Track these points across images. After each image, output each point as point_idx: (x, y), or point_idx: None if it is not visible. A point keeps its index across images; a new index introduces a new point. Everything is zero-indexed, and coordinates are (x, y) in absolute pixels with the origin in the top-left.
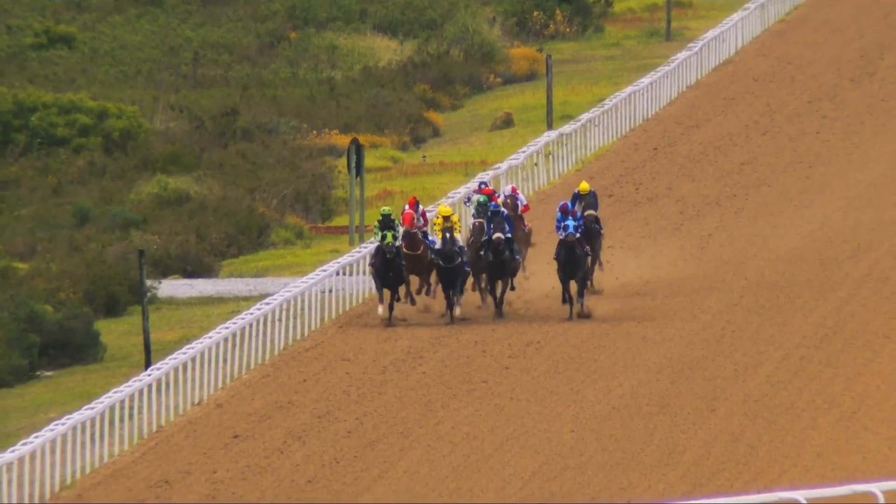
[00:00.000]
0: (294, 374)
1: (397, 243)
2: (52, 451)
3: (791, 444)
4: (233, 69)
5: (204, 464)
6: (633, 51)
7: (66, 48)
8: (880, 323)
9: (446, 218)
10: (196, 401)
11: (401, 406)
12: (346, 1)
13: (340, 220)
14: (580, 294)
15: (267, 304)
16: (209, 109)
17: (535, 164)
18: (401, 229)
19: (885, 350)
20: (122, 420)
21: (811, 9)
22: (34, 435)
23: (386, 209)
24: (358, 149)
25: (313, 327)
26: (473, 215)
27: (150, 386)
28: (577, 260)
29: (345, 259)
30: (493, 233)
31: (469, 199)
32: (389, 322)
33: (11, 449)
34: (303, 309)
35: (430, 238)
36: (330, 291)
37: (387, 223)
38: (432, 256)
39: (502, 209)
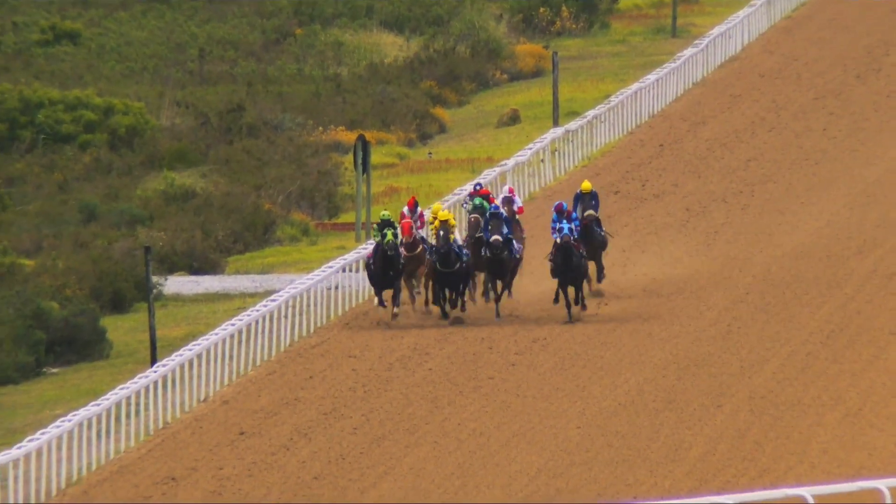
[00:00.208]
0: (300, 371)
1: (399, 245)
2: (59, 448)
3: (797, 440)
4: (239, 65)
5: (210, 460)
6: (639, 47)
7: (71, 45)
8: (886, 319)
9: (443, 222)
10: (202, 397)
11: (407, 403)
12: None
13: (346, 217)
14: (577, 297)
15: (273, 300)
16: (215, 106)
17: (542, 161)
18: (399, 232)
19: (890, 346)
20: (128, 417)
21: (817, 6)
22: (40, 431)
23: (385, 213)
24: (364, 145)
25: (319, 324)
26: (469, 212)
27: (156, 382)
28: (574, 263)
29: (351, 256)
30: (492, 235)
31: (466, 202)
32: (393, 319)
33: (18, 445)
34: (309, 306)
35: (430, 242)
36: (336, 288)
37: (386, 225)
38: (430, 258)
39: (502, 211)
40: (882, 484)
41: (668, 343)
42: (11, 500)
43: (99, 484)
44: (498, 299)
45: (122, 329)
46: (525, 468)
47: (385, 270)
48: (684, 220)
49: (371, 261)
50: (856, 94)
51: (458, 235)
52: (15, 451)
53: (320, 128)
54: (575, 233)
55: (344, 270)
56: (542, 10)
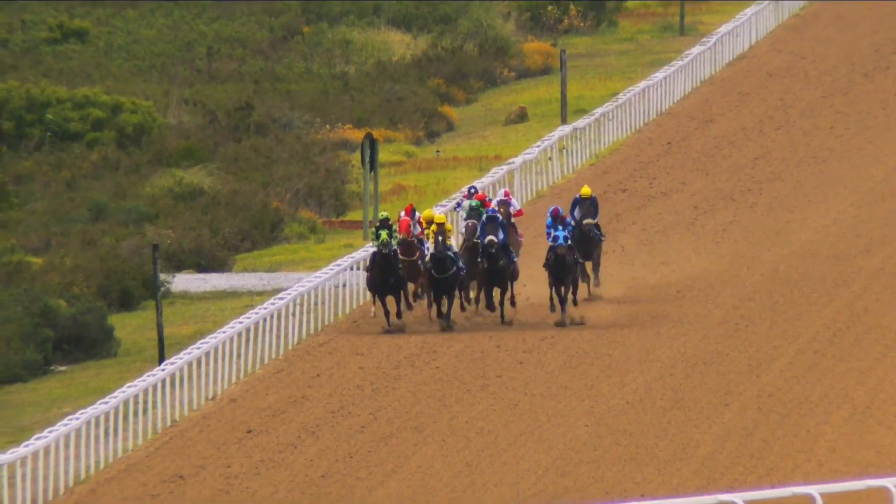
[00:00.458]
0: (308, 369)
1: (394, 244)
2: (66, 446)
3: (805, 438)
4: (246, 63)
5: (218, 458)
6: (646, 45)
7: (79, 43)
8: (893, 317)
9: (440, 225)
10: (210, 395)
11: (415, 401)
12: None
13: (354, 215)
14: (573, 301)
15: (280, 298)
16: (223, 104)
17: (549, 159)
18: (397, 235)
19: None
20: (136, 415)
21: (825, 4)
22: (48, 429)
23: (384, 213)
24: (372, 143)
25: (327, 322)
26: (465, 218)
27: (163, 381)
28: (568, 267)
29: (358, 254)
30: (486, 236)
31: (460, 205)
32: (393, 329)
33: (25, 443)
34: (316, 304)
35: (425, 245)
36: (344, 286)
37: (384, 227)
38: (428, 264)
39: (498, 214)
40: (890, 482)
41: (676, 341)
42: (19, 499)
43: (107, 482)
44: (501, 303)
45: (129, 327)
46: (533, 466)
47: (385, 277)
48: (692, 218)
49: (368, 269)
50: (863, 92)
51: (454, 241)
52: (22, 450)
53: (328, 126)
54: (569, 240)
55: (352, 268)
56: (549, 8)
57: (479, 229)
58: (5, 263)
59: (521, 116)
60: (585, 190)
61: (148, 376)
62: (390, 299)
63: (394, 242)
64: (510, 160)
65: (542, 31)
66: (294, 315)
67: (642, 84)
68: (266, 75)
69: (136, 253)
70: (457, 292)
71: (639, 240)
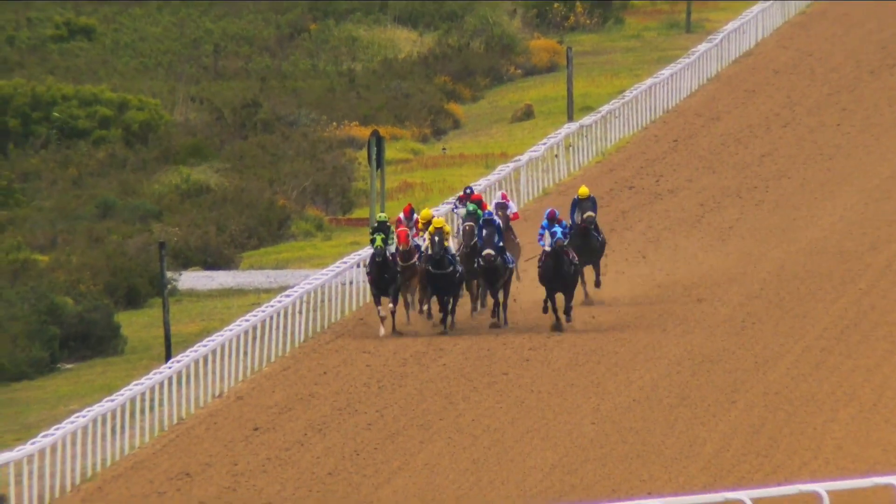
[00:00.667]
0: (314, 367)
1: (391, 249)
2: (73, 444)
3: (811, 436)
4: (253, 61)
5: (224, 456)
6: (653, 43)
7: (86, 40)
8: None
9: (438, 228)
10: (217, 393)
11: (421, 398)
12: None
13: (361, 213)
14: (566, 307)
15: (287, 296)
16: (230, 101)
17: (556, 156)
18: (395, 239)
19: None
20: (142, 412)
21: (831, 2)
22: (55, 427)
23: (382, 215)
24: (378, 141)
25: (334, 320)
26: (464, 220)
27: (170, 378)
28: (564, 270)
29: (365, 251)
30: (484, 246)
31: (456, 207)
32: (394, 331)
33: (32, 441)
34: (323, 301)
35: (422, 246)
36: (350, 283)
37: (381, 230)
38: (423, 265)
39: (495, 218)
40: None
41: (683, 339)
42: (26, 496)
43: (113, 480)
44: (505, 307)
45: (136, 325)
46: (539, 464)
47: (381, 275)
48: (699, 215)
49: (368, 270)
50: (870, 89)
51: (452, 244)
52: (29, 447)
53: (334, 123)
54: (567, 237)
55: (358, 266)
56: (556, 5)
57: (472, 235)
58: (12, 261)
59: (528, 114)
60: (583, 190)
61: (155, 374)
62: (385, 301)
63: (391, 247)
64: (516, 157)
65: (548, 28)
66: (301, 313)
67: (649, 81)
68: (272, 73)
69: (143, 250)
70: (455, 296)
71: (645, 237)
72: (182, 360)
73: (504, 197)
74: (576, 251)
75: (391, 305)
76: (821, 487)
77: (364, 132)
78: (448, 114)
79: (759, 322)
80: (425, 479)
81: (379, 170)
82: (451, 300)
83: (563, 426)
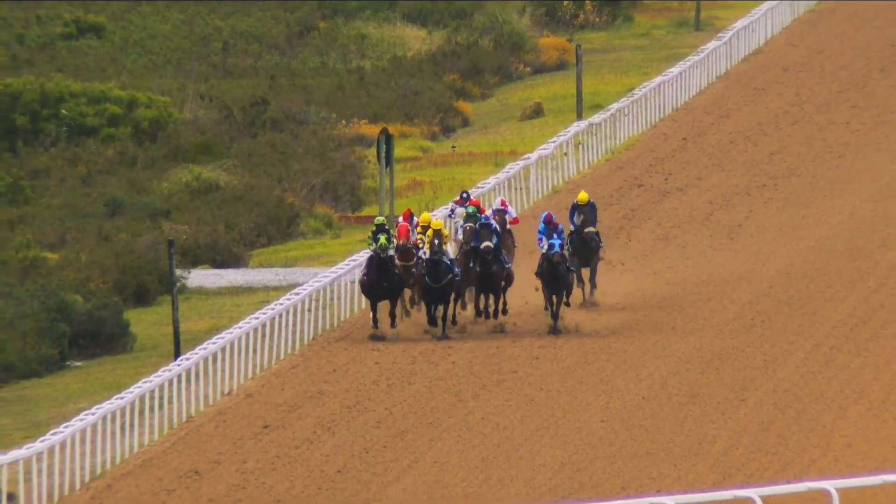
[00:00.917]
0: (324, 365)
1: (391, 251)
2: (83, 441)
3: (820, 433)
4: (262, 59)
5: (234, 454)
6: (662, 40)
7: (95, 38)
8: None
9: (436, 231)
10: (226, 391)
11: (430, 396)
12: None
13: (370, 210)
14: (558, 309)
15: (296, 294)
16: (239, 99)
17: (565, 154)
18: (395, 240)
19: None
20: (151, 410)
21: None
22: (64, 425)
23: (380, 219)
24: (388, 138)
25: (343, 317)
26: (464, 222)
27: (179, 376)
28: (560, 276)
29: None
30: (481, 242)
31: (453, 212)
32: (377, 334)
33: (41, 439)
34: (332, 299)
35: (421, 251)
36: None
37: (381, 231)
38: (423, 269)
39: (492, 222)
40: None
41: (692, 336)
42: (35, 494)
43: (123, 477)
44: (496, 314)
45: (145, 322)
46: (549, 462)
47: (379, 280)
48: (708, 213)
49: (364, 273)
50: (879, 87)
51: (450, 248)
52: (39, 445)
53: (343, 121)
54: (564, 248)
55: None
56: (565, 3)
57: (473, 235)
58: (21, 259)
59: (537, 112)
60: (582, 196)
61: (164, 371)
62: (383, 305)
63: (391, 248)
64: (526, 155)
65: (557, 26)
66: (310, 310)
67: (658, 79)
68: (282, 70)
69: (152, 248)
70: (452, 301)
71: (654, 235)
72: (191, 357)
73: (503, 203)
74: (573, 255)
75: (391, 327)
76: (830, 485)
77: (373, 130)
78: (457, 112)
79: (768, 320)
80: (434, 477)
81: (388, 168)
82: (445, 308)
83: (572, 424)
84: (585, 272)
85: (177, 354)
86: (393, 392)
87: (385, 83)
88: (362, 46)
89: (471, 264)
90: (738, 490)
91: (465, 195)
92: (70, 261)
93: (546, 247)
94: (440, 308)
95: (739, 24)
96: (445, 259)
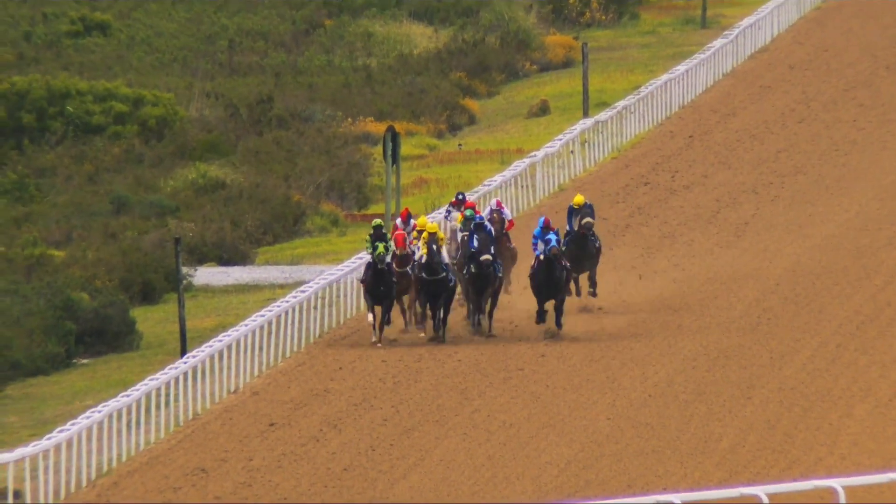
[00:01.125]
0: (330, 362)
1: (388, 258)
2: (89, 439)
3: (827, 431)
4: (268, 56)
5: (240, 451)
6: (668, 38)
7: (101, 36)
8: None
9: (432, 234)
10: (232, 388)
11: (437, 394)
12: None
13: (376, 208)
14: (557, 314)
15: (303, 291)
16: (245, 97)
17: (571, 152)
18: (392, 246)
19: None
20: (158, 408)
21: None
22: (71, 422)
23: (377, 221)
24: (394, 136)
25: (349, 315)
26: (460, 229)
27: (186, 374)
28: (556, 278)
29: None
30: (481, 252)
31: (449, 214)
32: (380, 341)
33: (48, 436)
34: (338, 296)
35: (417, 253)
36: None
37: (378, 236)
38: (420, 273)
39: (486, 223)
40: None
41: (698, 334)
42: (42, 491)
43: (129, 475)
44: (491, 315)
45: (151, 320)
46: (555, 459)
47: (376, 285)
48: (714, 211)
49: (364, 276)
50: (885, 84)
51: (444, 251)
52: (45, 442)
53: (349, 119)
54: (561, 244)
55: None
56: (571, 0)
57: (469, 238)
58: (27, 256)
59: (543, 109)
60: (578, 198)
61: (170, 369)
62: (378, 310)
63: (388, 257)
64: (532, 153)
65: (563, 23)
66: (316, 308)
67: (664, 77)
68: (288, 68)
69: (159, 246)
70: (445, 303)
71: (661, 233)
72: (197, 355)
73: (499, 204)
74: (572, 257)
75: (384, 325)
76: (837, 483)
77: (379, 128)
78: (463, 109)
79: (774, 318)
80: (441, 475)
81: (394, 166)
82: (443, 310)
83: (578, 422)
84: (581, 277)
85: (183, 352)
86: (399, 390)
87: (391, 81)
88: (368, 44)
89: (464, 271)
90: (745, 488)
91: (460, 197)
92: (76, 258)
93: (540, 250)
94: (438, 308)
95: (746, 21)
96: (441, 261)
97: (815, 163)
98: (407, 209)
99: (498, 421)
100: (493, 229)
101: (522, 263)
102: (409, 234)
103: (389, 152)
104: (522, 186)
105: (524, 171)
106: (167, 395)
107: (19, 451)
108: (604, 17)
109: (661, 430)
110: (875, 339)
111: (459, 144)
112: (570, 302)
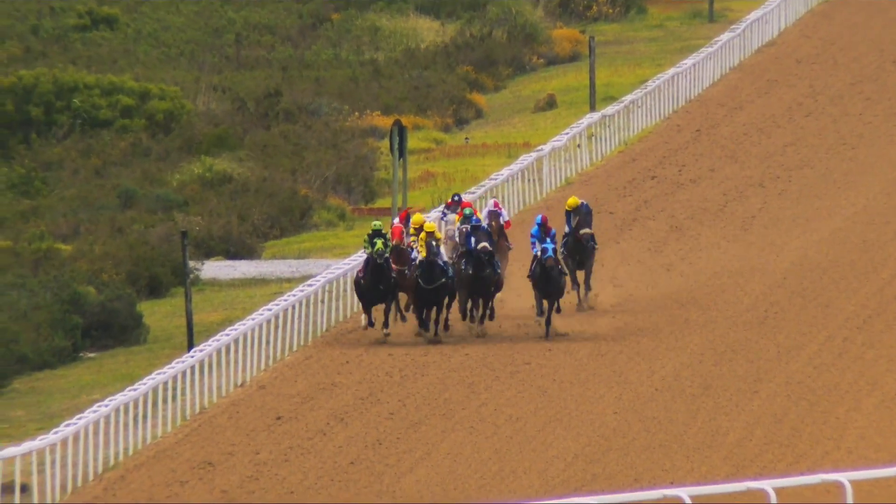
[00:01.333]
0: (336, 356)
1: (387, 253)
2: (96, 433)
3: (834, 425)
4: (275, 50)
5: (247, 445)
6: (675, 32)
7: (108, 29)
8: None
9: (430, 233)
10: (239, 382)
11: (443, 388)
12: None
13: (383, 202)
14: (550, 315)
15: (309, 285)
16: (252, 91)
17: (578, 146)
18: (391, 244)
19: None
20: (164, 401)
21: None
22: (77, 416)
23: (377, 223)
24: (401, 130)
25: (356, 309)
26: (459, 228)
27: (192, 367)
28: (554, 279)
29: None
30: (478, 244)
31: (445, 215)
32: (384, 340)
33: (55, 430)
34: (345, 290)
35: (415, 252)
36: None
37: (378, 237)
38: (416, 272)
39: (483, 224)
40: None
41: (705, 328)
42: (48, 485)
43: (136, 469)
44: (482, 319)
45: (158, 314)
46: (561, 453)
47: (375, 284)
48: (721, 205)
49: (361, 276)
50: (892, 78)
51: (443, 250)
52: (52, 436)
53: (356, 113)
54: (557, 251)
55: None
56: None
57: (467, 238)
58: (34, 250)
59: (550, 103)
60: (572, 201)
61: (177, 363)
62: (378, 309)
63: (387, 253)
64: (539, 147)
65: (570, 17)
66: (323, 302)
67: (671, 71)
68: (295, 62)
69: (165, 240)
70: (445, 306)
71: (668, 227)
72: (204, 349)
73: (496, 205)
74: (568, 255)
75: (385, 329)
76: (844, 477)
77: (386, 122)
78: (470, 103)
79: (781, 312)
80: (447, 469)
81: (401, 159)
82: (437, 311)
83: (585, 416)
84: (580, 275)
85: (190, 346)
86: (406, 384)
87: (398, 75)
88: (375, 38)
89: (463, 267)
90: (752, 482)
91: (456, 198)
92: (83, 252)
93: (539, 251)
94: (432, 311)
95: (753, 15)
96: (440, 261)
97: (822, 157)
98: (407, 210)
99: (505, 415)
100: (489, 230)
101: (517, 265)
102: (407, 235)
103: (396, 146)
104: (529, 180)
105: (531, 165)
106: (174, 388)
107: (26, 445)
108: (611, 11)
109: (667, 424)
110: (882, 333)
111: (466, 138)
112: (571, 303)
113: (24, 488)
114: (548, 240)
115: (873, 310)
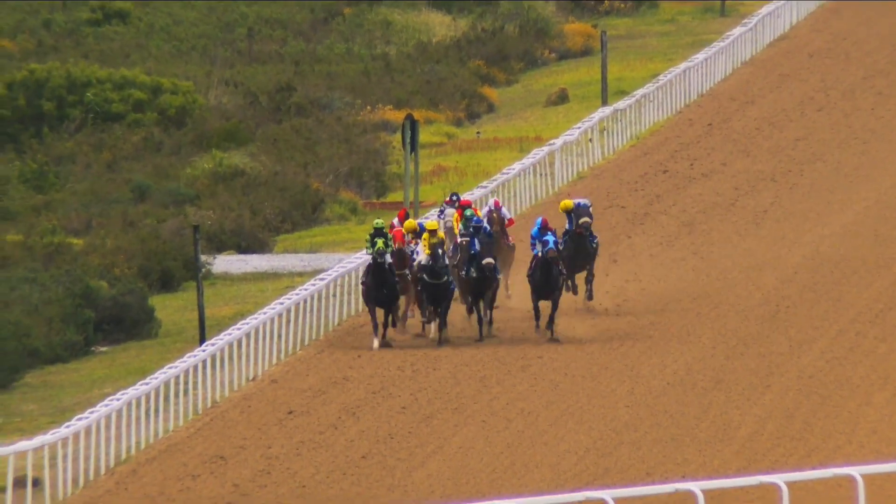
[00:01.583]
0: (348, 350)
1: (388, 253)
2: (108, 427)
3: (846, 420)
4: (287, 45)
5: (259, 439)
6: (687, 27)
7: (121, 24)
8: None
9: (432, 233)
10: (251, 376)
11: (455, 382)
12: None
13: (395, 196)
14: (551, 317)
15: (321, 279)
16: (264, 85)
17: (590, 140)
18: (392, 245)
19: None
20: (176, 396)
21: None
22: (89, 410)
23: (378, 222)
24: (413, 124)
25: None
26: (461, 232)
27: (204, 362)
28: (553, 280)
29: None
30: (483, 255)
31: (443, 212)
32: (383, 344)
33: (67, 424)
34: (357, 284)
35: (416, 251)
36: None
37: (378, 235)
38: (419, 274)
39: (485, 225)
40: None
41: (717, 322)
42: (60, 479)
43: (148, 462)
44: (480, 321)
45: (170, 308)
46: (573, 447)
47: (378, 285)
48: (733, 199)
49: (363, 280)
50: None
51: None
52: (64, 430)
53: (368, 107)
54: (559, 245)
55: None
56: None
57: (470, 242)
58: (46, 244)
59: (562, 98)
60: (566, 203)
61: (189, 357)
62: (381, 312)
63: (389, 252)
64: (551, 141)
65: (582, 12)
66: (335, 296)
67: (683, 65)
68: (307, 56)
69: (177, 234)
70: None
71: (679, 221)
72: (216, 343)
73: (497, 204)
74: (570, 256)
75: (392, 328)
76: (855, 471)
77: (398, 116)
78: (482, 97)
79: (793, 306)
80: (459, 463)
81: (413, 153)
82: (443, 310)
83: (597, 409)
84: (580, 277)
85: (202, 340)
86: (418, 378)
87: (410, 69)
88: (387, 32)
89: (463, 273)
90: (764, 476)
91: (454, 197)
92: (95, 246)
93: (539, 251)
94: (437, 308)
95: (765, 9)
96: (444, 263)
97: (833, 151)
98: (405, 209)
99: (516, 409)
100: (490, 231)
101: (520, 266)
102: (405, 236)
103: (408, 140)
104: (541, 174)
105: (543, 160)
106: (186, 383)
107: (38, 440)
108: (622, 6)
109: (679, 418)
110: (894, 326)
111: (478, 132)
112: (570, 302)
113: (37, 482)
114: (549, 234)
115: (885, 304)
